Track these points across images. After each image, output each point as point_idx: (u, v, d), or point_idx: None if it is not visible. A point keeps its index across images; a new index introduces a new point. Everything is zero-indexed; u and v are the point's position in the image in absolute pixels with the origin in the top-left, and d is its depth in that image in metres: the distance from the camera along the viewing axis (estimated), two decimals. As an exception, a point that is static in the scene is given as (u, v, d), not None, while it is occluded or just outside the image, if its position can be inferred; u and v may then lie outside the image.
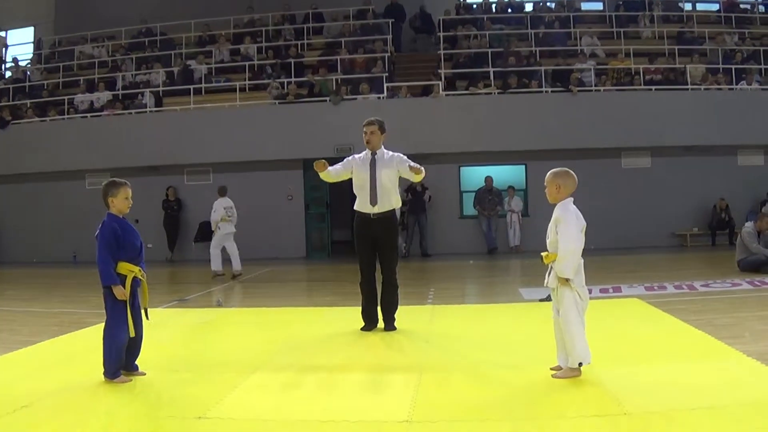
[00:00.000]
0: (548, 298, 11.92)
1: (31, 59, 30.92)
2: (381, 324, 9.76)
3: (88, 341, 9.56)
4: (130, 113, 25.06)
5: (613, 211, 22.42)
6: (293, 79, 24.53)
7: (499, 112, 22.47)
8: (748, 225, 14.87)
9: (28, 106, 26.38)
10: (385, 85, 23.19)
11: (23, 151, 24.68)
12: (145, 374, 7.47)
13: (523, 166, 23.56)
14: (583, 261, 6.90)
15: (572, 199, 6.96)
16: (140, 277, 7.32)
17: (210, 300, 13.88)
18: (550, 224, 6.94)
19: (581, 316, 6.85)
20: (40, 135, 25.14)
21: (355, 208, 9.66)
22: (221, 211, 18.14)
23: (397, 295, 9.75)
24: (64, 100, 26.20)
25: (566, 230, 6.77)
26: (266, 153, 22.97)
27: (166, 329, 10.59)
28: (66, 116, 25.66)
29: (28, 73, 29.32)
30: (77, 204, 23.25)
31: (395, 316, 9.75)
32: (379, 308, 9.77)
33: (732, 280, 13.60)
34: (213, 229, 18.37)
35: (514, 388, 6.65)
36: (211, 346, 9.46)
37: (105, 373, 7.24)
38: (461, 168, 23.62)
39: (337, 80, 24.39)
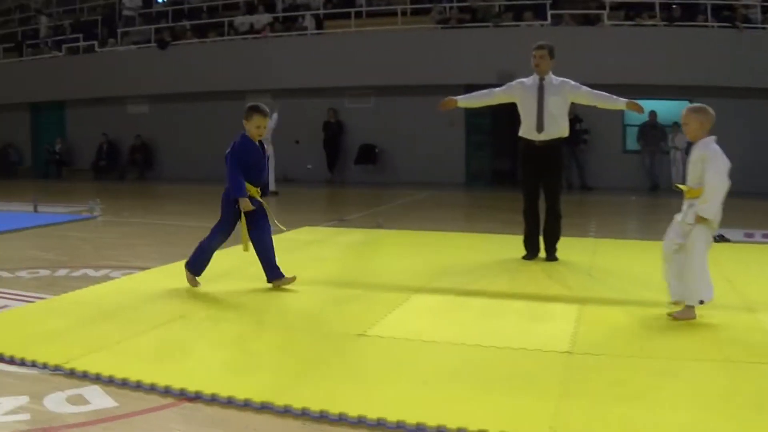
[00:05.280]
0: (717, 239, 11.53)
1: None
2: (542, 254, 9.63)
3: (245, 255, 9.74)
4: (291, 35, 25.25)
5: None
6: (456, 4, 24.24)
7: (663, 45, 21.41)
8: None
9: (188, 27, 26.88)
10: (548, 12, 22.68)
11: (183, 72, 25.30)
12: (294, 278, 7.86)
13: (687, 102, 22.79)
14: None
15: (715, 137, 6.63)
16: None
17: (370, 221, 13.92)
18: (692, 161, 6.65)
19: (706, 255, 6.61)
20: (199, 56, 25.70)
21: (520, 134, 9.47)
22: None
23: (560, 224, 9.57)
24: (224, 22, 26.58)
25: (715, 169, 6.48)
26: (427, 77, 22.79)
27: (328, 247, 10.82)
28: (226, 38, 26.05)
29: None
30: (236, 124, 23.20)
31: (557, 246, 9.59)
32: (541, 237, 9.63)
33: None
34: None
35: (676, 327, 6.43)
36: (372, 265, 9.56)
37: (187, 262, 7.91)
38: (625, 101, 22.77)
39: (500, 6, 24.01)
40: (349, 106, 25.13)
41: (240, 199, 7.57)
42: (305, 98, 24.80)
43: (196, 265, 7.84)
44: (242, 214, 7.68)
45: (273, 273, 7.82)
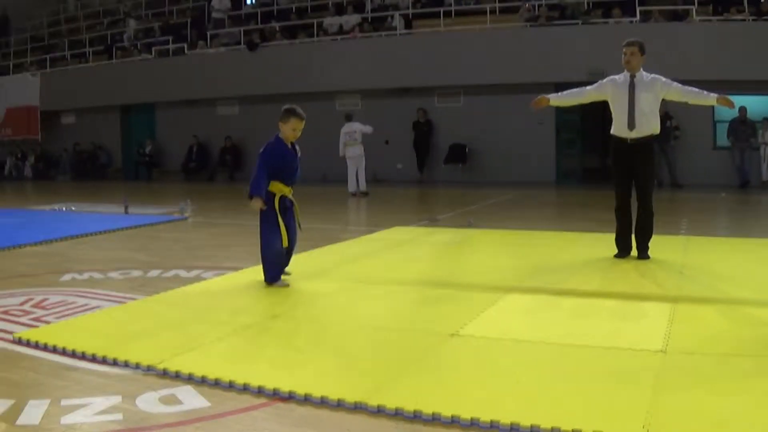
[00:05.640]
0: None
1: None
2: (634, 252, 9.50)
3: (339, 255, 9.80)
4: (380, 35, 25.32)
5: None
6: (544, 1, 24.08)
7: (752, 39, 20.82)
8: None
9: (277, 29, 27.11)
10: (637, 8, 22.38)
11: (273, 73, 25.51)
12: (287, 285, 7.91)
13: (776, 98, 22.25)
14: None
15: None
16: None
17: (461, 220, 13.87)
18: None
19: None
20: (288, 57, 25.89)
21: (611, 132, 9.35)
22: (342, 137, 19.77)
23: (653, 222, 9.41)
24: (313, 23, 26.76)
25: None
26: (516, 76, 22.66)
27: (419, 246, 10.84)
28: (315, 39, 26.19)
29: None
30: (327, 125, 22.49)
31: (649, 244, 9.44)
32: (633, 235, 9.50)
33: None
34: (341, 155, 19.84)
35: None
36: (463, 264, 9.54)
37: (265, 278, 7.91)
38: (715, 97, 22.24)
39: (588, 2, 23.80)
40: (439, 105, 25.12)
41: (254, 198, 7.75)
42: (394, 98, 24.86)
43: (273, 276, 7.89)
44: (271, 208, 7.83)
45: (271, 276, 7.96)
